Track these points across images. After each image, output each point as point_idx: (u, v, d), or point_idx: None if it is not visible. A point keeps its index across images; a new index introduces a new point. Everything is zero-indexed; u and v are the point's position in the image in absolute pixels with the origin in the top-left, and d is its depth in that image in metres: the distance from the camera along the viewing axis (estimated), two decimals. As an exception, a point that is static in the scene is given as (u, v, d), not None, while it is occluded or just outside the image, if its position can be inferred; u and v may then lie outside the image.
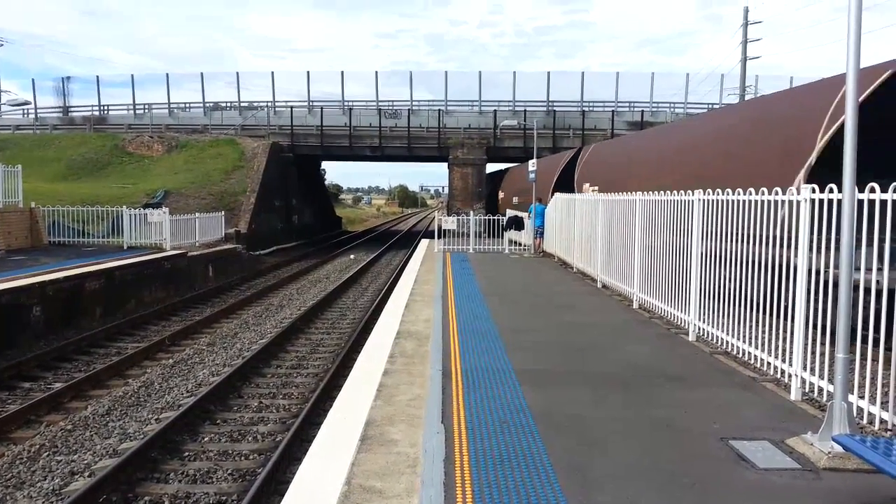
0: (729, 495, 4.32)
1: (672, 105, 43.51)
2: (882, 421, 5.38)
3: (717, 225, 8.28)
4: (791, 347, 6.55)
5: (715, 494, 4.33)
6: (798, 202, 6.42)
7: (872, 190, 5.37)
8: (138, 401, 10.24)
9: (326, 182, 65.81)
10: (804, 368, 6.39)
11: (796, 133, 11.60)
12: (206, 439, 8.72)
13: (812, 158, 10.94)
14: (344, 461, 4.66)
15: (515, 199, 32.18)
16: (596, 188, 19.53)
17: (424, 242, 26.01)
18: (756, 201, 7.31)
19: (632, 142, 23.05)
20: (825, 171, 8.31)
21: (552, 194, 20.88)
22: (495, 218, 24.03)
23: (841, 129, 9.61)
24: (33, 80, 50.70)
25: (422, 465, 4.64)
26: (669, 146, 16.59)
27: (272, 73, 43.21)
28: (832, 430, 4.95)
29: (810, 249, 6.28)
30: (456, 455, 4.84)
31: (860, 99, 6.34)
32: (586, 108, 41.85)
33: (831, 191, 5.93)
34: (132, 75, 45.05)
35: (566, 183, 24.29)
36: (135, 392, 10.59)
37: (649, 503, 4.18)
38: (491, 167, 43.70)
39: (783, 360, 6.74)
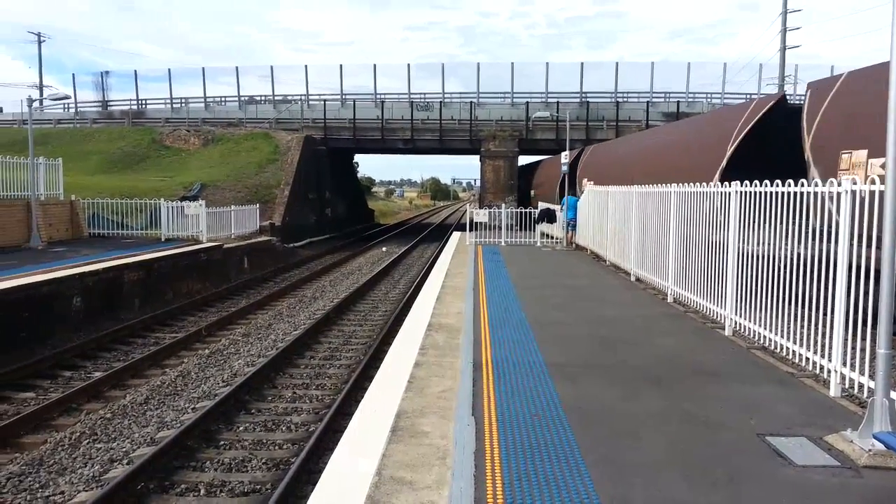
0: (765, 491, 4.24)
1: (709, 95, 42.75)
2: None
3: (753, 217, 8.12)
4: (830, 342, 6.40)
5: (750, 490, 4.25)
6: (839, 193, 6.26)
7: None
8: (175, 390, 10.43)
9: (359, 175, 66.21)
10: (844, 364, 6.24)
11: (715, 145, 15.30)
12: (241, 428, 8.86)
13: (723, 163, 14.53)
14: (375, 452, 4.68)
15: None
16: (591, 182, 22.83)
17: (456, 235, 26.00)
18: (794, 193, 7.14)
19: (620, 145, 27.12)
20: (733, 173, 11.59)
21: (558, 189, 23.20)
22: (527, 210, 23.90)
23: (739, 145, 14.12)
24: (73, 75, 52.27)
25: (452, 456, 4.65)
26: (638, 150, 20.10)
27: (305, 66, 43.56)
28: (873, 427, 4.83)
29: (850, 242, 6.13)
30: (486, 447, 4.83)
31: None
32: (620, 99, 41.33)
33: (873, 182, 5.77)
34: (169, 69, 45.82)
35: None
36: (172, 381, 10.79)
37: (682, 497, 4.13)
38: (523, 159, 43.47)
39: (822, 356, 6.60)
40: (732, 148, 14.44)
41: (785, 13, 42.39)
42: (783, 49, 42.50)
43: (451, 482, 4.25)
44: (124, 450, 8.03)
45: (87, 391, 10.13)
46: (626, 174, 18.98)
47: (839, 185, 6.27)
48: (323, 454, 7.91)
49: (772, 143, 13.83)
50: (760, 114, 14.30)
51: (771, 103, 14.49)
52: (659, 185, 7.76)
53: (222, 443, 8.37)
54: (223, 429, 8.81)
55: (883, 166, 10.80)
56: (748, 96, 41.64)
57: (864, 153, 10.99)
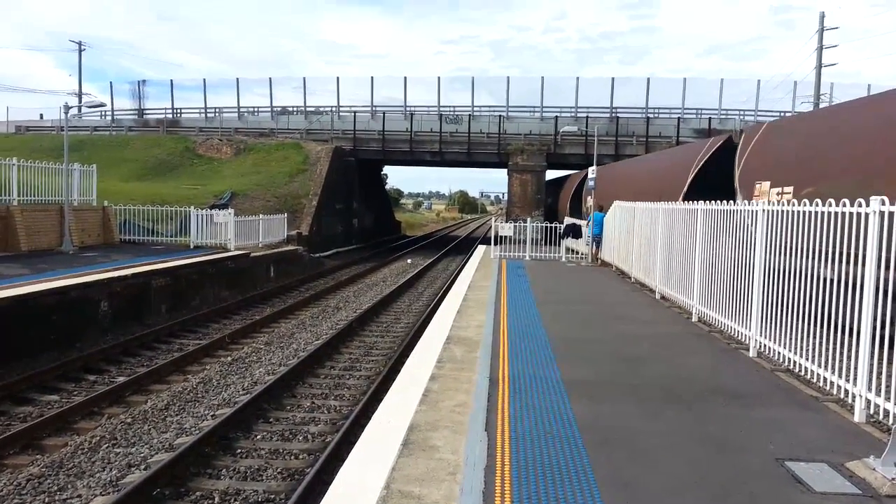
0: (781, 520, 4.13)
1: (742, 112, 42.23)
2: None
3: (780, 238, 7.98)
4: (856, 366, 6.24)
5: (766, 518, 4.15)
6: (867, 214, 6.12)
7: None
8: (196, 397, 10.52)
9: (387, 187, 66.59)
10: (869, 389, 6.08)
11: (681, 173, 18.68)
12: (258, 437, 8.88)
13: (685, 188, 17.67)
14: (385, 465, 4.66)
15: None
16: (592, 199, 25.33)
17: (481, 248, 25.97)
18: (821, 213, 7.00)
19: (618, 167, 30.33)
20: (692, 195, 14.49)
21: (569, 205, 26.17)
22: (552, 225, 23.78)
23: (697, 173, 17.50)
24: (111, 83, 53.17)
25: (462, 472, 4.60)
26: (630, 172, 22.82)
27: (337, 78, 43.95)
28: (897, 455, 4.68)
29: (878, 265, 5.98)
30: (497, 464, 4.78)
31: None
32: (651, 115, 41.03)
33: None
34: (204, 80, 46.57)
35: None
36: (193, 388, 10.88)
37: (695, 524, 4.04)
38: (551, 174, 43.32)
39: (847, 380, 6.43)
40: (692, 175, 18.03)
41: (822, 31, 41.81)
42: (819, 67, 41.88)
43: (460, 498, 4.21)
44: (142, 455, 8.10)
45: (110, 395, 10.26)
46: (618, 192, 21.53)
47: (867, 205, 6.13)
48: (338, 465, 7.90)
49: (721, 172, 16.70)
50: (713, 150, 17.98)
51: (720, 143, 18.09)
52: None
53: (239, 451, 8.40)
54: (241, 436, 8.85)
55: (779, 194, 13.20)
56: (782, 114, 41.10)
57: (767, 184, 13.92)
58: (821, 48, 41.99)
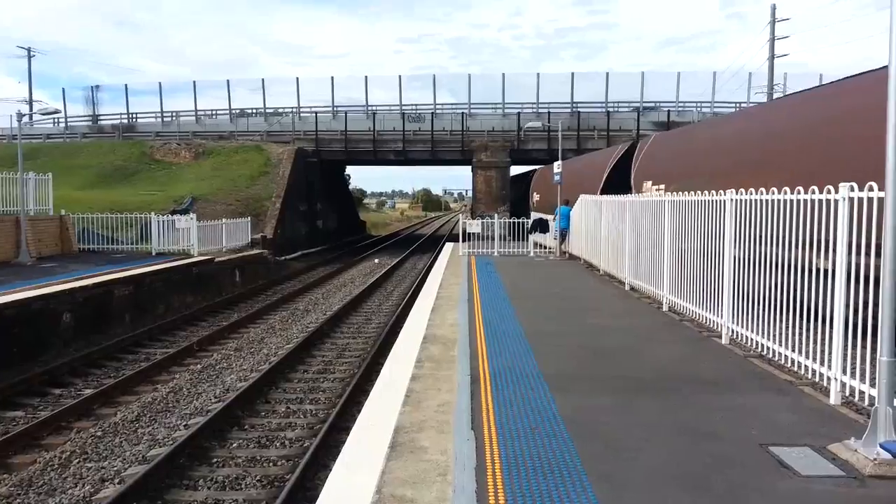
0: (770, 503, 4.17)
1: (699, 105, 42.92)
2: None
3: (750, 226, 8.10)
4: (830, 350, 6.36)
5: (755, 502, 4.18)
6: (836, 201, 6.23)
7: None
8: (167, 406, 10.29)
9: (350, 187, 66.03)
10: (844, 372, 6.20)
11: (599, 172, 22.58)
12: (234, 445, 8.72)
13: (600, 187, 21.27)
14: (374, 469, 4.59)
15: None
16: (539, 196, 29.86)
17: (449, 246, 25.95)
18: (791, 201, 7.12)
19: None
20: (608, 190, 18.27)
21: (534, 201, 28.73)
22: (520, 221, 23.89)
23: (609, 173, 22.03)
24: (63, 89, 52.00)
25: (452, 473, 4.55)
26: (567, 170, 23.45)
27: (297, 78, 43.41)
28: (877, 435, 4.77)
29: (848, 250, 6.10)
30: (487, 463, 4.74)
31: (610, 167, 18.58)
32: (611, 109, 41.46)
33: (871, 189, 5.75)
34: (160, 83, 45.60)
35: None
36: (164, 398, 10.64)
37: (688, 513, 4.06)
38: (515, 169, 43.48)
39: (822, 364, 6.55)
40: (606, 174, 22.22)
41: (773, 22, 42.71)
42: (771, 58, 42.75)
43: (453, 499, 4.16)
44: (115, 469, 7.89)
45: (78, 409, 9.97)
46: (555, 188, 24.08)
47: (836, 192, 6.25)
48: (319, 470, 7.81)
49: (626, 172, 20.64)
50: (620, 154, 22.45)
51: (625, 149, 22.57)
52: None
53: (215, 460, 8.23)
54: (216, 445, 8.67)
55: (657, 189, 16.63)
56: (737, 105, 41.92)
57: (650, 182, 18.38)
58: (773, 39, 42.87)
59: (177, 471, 7.77)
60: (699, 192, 9.82)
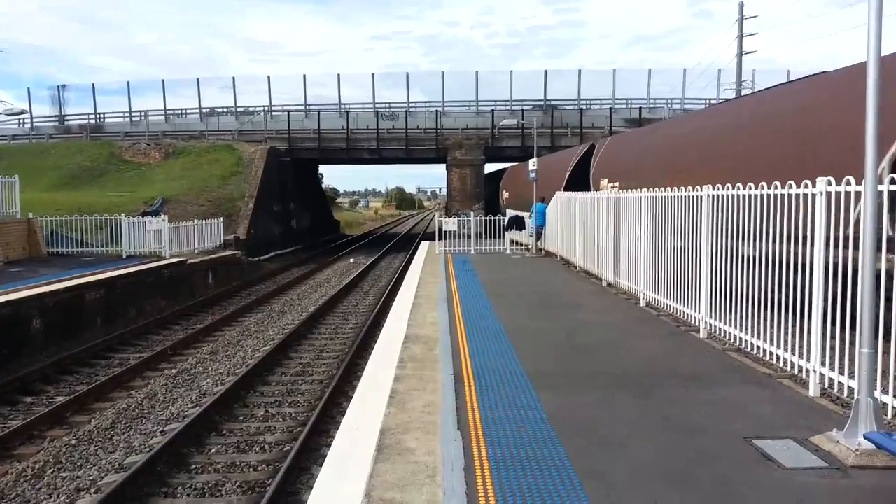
0: (758, 496, 4.20)
1: (669, 101, 43.38)
2: (907, 416, 5.26)
3: (727, 220, 8.17)
4: (808, 343, 6.43)
5: (743, 495, 4.21)
6: (813, 195, 6.30)
7: (893, 182, 5.25)
8: (142, 413, 10.10)
9: (323, 186, 65.66)
10: (822, 364, 6.27)
11: (562, 171, 24.52)
12: (212, 451, 8.57)
13: (563, 184, 22.82)
14: (362, 472, 4.53)
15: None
16: (507, 194, 32.82)
17: (425, 244, 25.88)
18: (769, 195, 7.19)
19: (524, 165, 33.62)
20: (571, 187, 19.92)
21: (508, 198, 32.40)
22: (496, 218, 23.92)
23: (572, 171, 24.29)
24: (28, 89, 50.85)
25: (441, 474, 4.51)
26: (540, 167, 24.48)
27: (268, 77, 43.14)
28: (858, 426, 4.83)
29: (826, 244, 6.17)
30: (476, 463, 4.71)
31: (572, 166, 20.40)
32: (584, 106, 41.71)
33: (848, 183, 5.82)
34: (128, 82, 44.86)
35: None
36: (139, 404, 10.44)
37: (677, 509, 4.06)
38: (489, 167, 43.58)
39: (800, 356, 6.63)
40: (568, 173, 24.21)
41: (741, 19, 43.27)
42: (740, 55, 43.30)
43: (443, 501, 4.12)
44: (91, 478, 7.71)
45: (50, 417, 9.73)
46: (524, 185, 26.69)
47: (814, 186, 6.32)
48: (300, 474, 7.72)
49: (586, 171, 22.71)
50: (581, 155, 24.43)
51: (585, 149, 24.51)
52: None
53: (194, 466, 8.08)
54: (194, 452, 8.52)
55: (613, 187, 18.65)
56: (707, 101, 42.44)
57: (606, 180, 20.08)
58: (741, 37, 43.42)
59: (155, 478, 7.61)
60: (677, 187, 9.89)
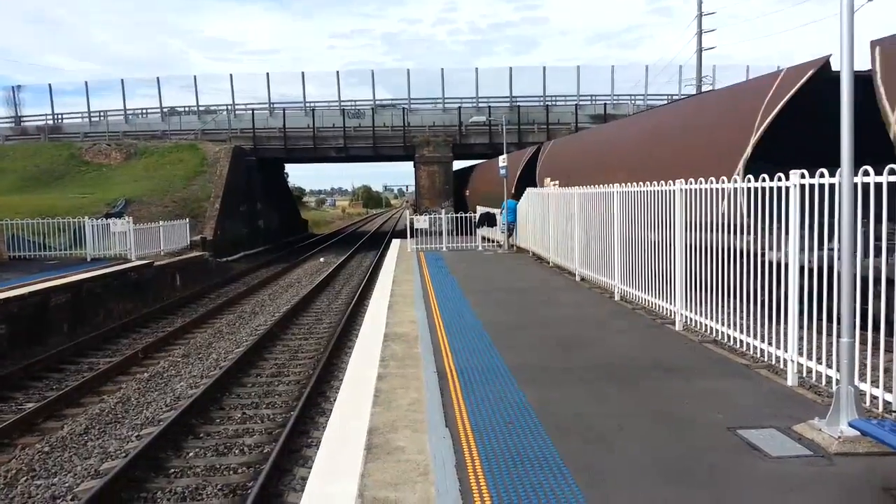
0: (747, 485, 4.28)
1: (633, 97, 43.89)
2: (886, 403, 5.40)
3: (698, 214, 8.30)
4: (785, 333, 6.56)
5: (733, 485, 4.28)
6: (787, 188, 6.43)
7: (866, 173, 5.37)
8: (116, 418, 9.90)
9: (289, 185, 64.97)
10: (800, 354, 6.41)
11: (513, 171, 25.31)
12: (190, 454, 8.44)
13: (515, 180, 25.58)
14: (353, 473, 4.49)
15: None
16: (468, 192, 35.20)
17: (396, 242, 25.81)
18: (742, 189, 7.32)
19: (483, 164, 38.59)
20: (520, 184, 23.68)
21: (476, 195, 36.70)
22: (468, 216, 23.97)
23: (521, 171, 26.88)
24: (-19, 90, 49.05)
25: (433, 472, 4.50)
26: (486, 168, 29.07)
27: (231, 75, 42.40)
28: (840, 415, 4.94)
29: (801, 236, 6.30)
30: (467, 460, 4.71)
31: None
32: (549, 103, 41.96)
33: (822, 175, 5.94)
34: (86, 82, 43.83)
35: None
36: (112, 409, 10.24)
37: (670, 498, 4.11)
38: (457, 164, 43.61)
39: (777, 347, 6.76)
40: (519, 171, 26.68)
41: (700, 17, 43.95)
42: (699, 51, 44.01)
43: (437, 499, 4.11)
44: (67, 485, 7.53)
45: (21, 424, 9.47)
46: (481, 184, 30.70)
47: (786, 178, 6.44)
48: (282, 475, 7.65)
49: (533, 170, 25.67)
50: (529, 156, 27.10)
51: (533, 151, 27.24)
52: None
53: (172, 470, 7.95)
54: (172, 456, 8.38)
55: (554, 185, 21.46)
56: (669, 97, 43.06)
57: (549, 178, 22.90)
58: (700, 33, 44.11)
59: (133, 484, 7.47)
60: (650, 182, 10.02)
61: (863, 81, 8.31)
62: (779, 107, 11.30)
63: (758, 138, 11.50)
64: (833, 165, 5.57)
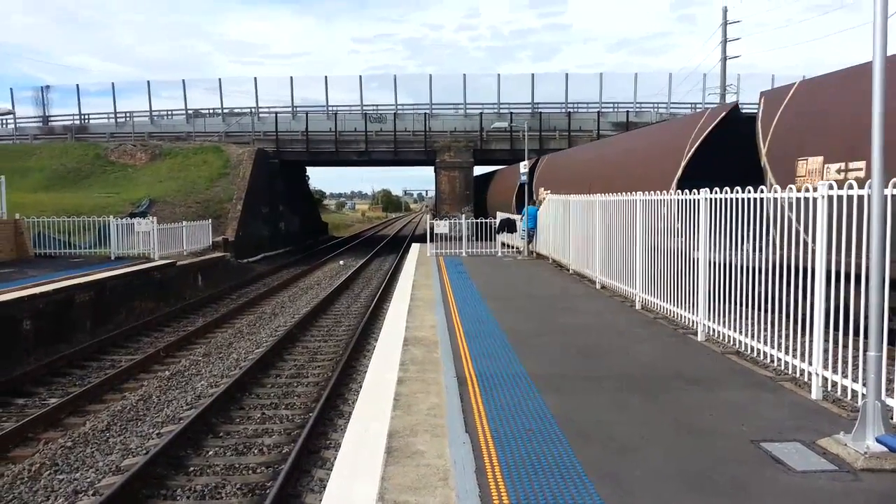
0: (770, 499, 4.23)
1: (655, 105, 43.64)
2: (913, 419, 5.31)
3: (725, 224, 8.23)
4: (810, 346, 6.48)
5: (755, 499, 4.24)
6: (815, 199, 6.36)
7: (896, 186, 5.31)
8: (137, 415, 10.00)
9: (310, 188, 65.34)
10: (825, 367, 6.33)
11: (514, 179, 27.62)
12: (210, 453, 8.51)
13: (516, 189, 27.31)
14: (373, 476, 4.50)
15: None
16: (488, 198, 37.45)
17: (415, 247, 25.85)
18: (769, 199, 7.25)
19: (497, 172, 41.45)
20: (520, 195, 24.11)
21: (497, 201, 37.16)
22: (488, 221, 23.96)
23: (519, 189, 28.65)
24: (11, 89, 49.93)
25: (453, 477, 4.50)
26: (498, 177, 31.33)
27: (255, 78, 42.76)
28: (866, 429, 4.87)
29: (827, 248, 6.23)
30: (487, 466, 4.70)
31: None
32: (571, 110, 41.83)
33: (850, 187, 5.88)
34: (112, 83, 44.39)
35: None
36: (133, 406, 10.35)
37: (692, 511, 4.08)
38: (478, 170, 43.61)
39: (802, 359, 6.68)
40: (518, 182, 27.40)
41: (725, 25, 43.65)
42: (724, 60, 43.69)
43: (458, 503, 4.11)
44: (89, 480, 7.63)
45: (44, 419, 9.61)
46: (493, 192, 34.21)
47: (814, 189, 6.37)
48: (301, 476, 7.68)
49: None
50: (530, 167, 26.73)
51: (533, 162, 28.06)
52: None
53: (192, 469, 8.02)
54: (192, 454, 8.45)
55: (548, 192, 25.24)
56: (693, 106, 42.78)
57: (543, 188, 24.72)
58: (724, 42, 43.80)
59: (153, 480, 7.55)
60: (678, 192, 9.95)
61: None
62: (700, 140, 14.51)
63: (686, 162, 14.63)
64: (736, 184, 7.95)
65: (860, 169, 9.60)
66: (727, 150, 13.35)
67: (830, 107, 10.79)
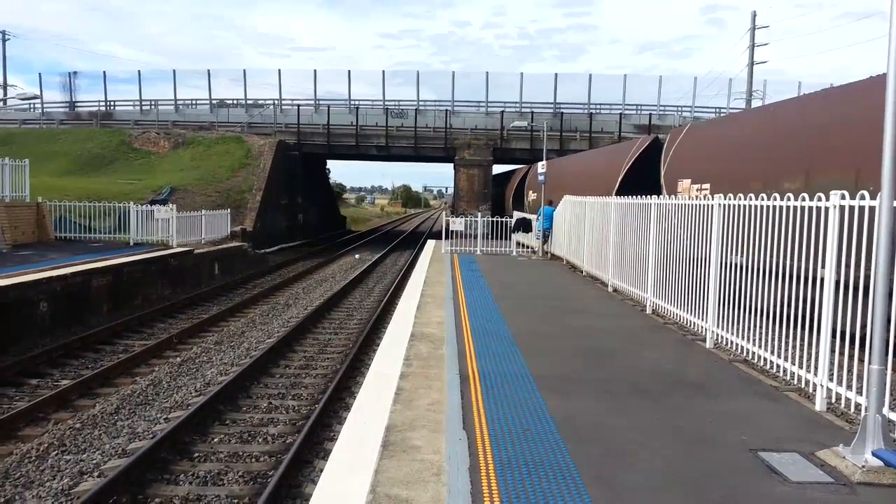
0: (764, 510, 4.21)
1: (679, 109, 43.28)
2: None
3: (736, 231, 8.18)
4: (816, 357, 6.42)
5: (749, 509, 4.21)
6: (826, 208, 6.30)
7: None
8: (146, 399, 10.14)
9: (330, 181, 65.63)
10: (830, 379, 6.27)
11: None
12: (215, 440, 8.61)
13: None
14: (367, 468, 4.54)
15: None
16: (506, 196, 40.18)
17: (431, 243, 25.90)
18: (780, 207, 7.19)
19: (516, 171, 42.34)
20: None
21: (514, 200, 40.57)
22: (503, 220, 23.94)
23: (517, 184, 38.44)
24: (40, 74, 50.81)
25: (447, 473, 4.53)
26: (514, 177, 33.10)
27: (279, 70, 43.03)
28: (865, 443, 4.83)
29: (837, 259, 6.16)
30: (481, 463, 4.72)
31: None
32: (593, 111, 41.62)
33: (862, 197, 5.81)
34: (139, 71, 44.91)
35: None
36: (143, 390, 10.49)
37: (683, 517, 4.07)
38: (496, 168, 43.55)
39: (807, 370, 6.62)
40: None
41: (753, 29, 43.13)
42: (751, 65, 43.17)
43: (448, 500, 4.13)
44: (95, 462, 7.75)
45: (55, 400, 9.78)
46: (507, 193, 36.90)
47: (827, 199, 6.31)
48: (302, 467, 7.75)
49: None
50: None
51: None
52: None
53: (197, 455, 8.12)
54: (197, 440, 8.56)
55: (535, 195, 29.84)
56: (717, 110, 42.39)
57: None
58: (752, 46, 43.28)
59: (158, 464, 7.65)
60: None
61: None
62: (633, 160, 21.27)
63: (623, 176, 21.05)
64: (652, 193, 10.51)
65: (707, 188, 14.73)
66: (649, 168, 18.73)
67: (697, 145, 16.44)
